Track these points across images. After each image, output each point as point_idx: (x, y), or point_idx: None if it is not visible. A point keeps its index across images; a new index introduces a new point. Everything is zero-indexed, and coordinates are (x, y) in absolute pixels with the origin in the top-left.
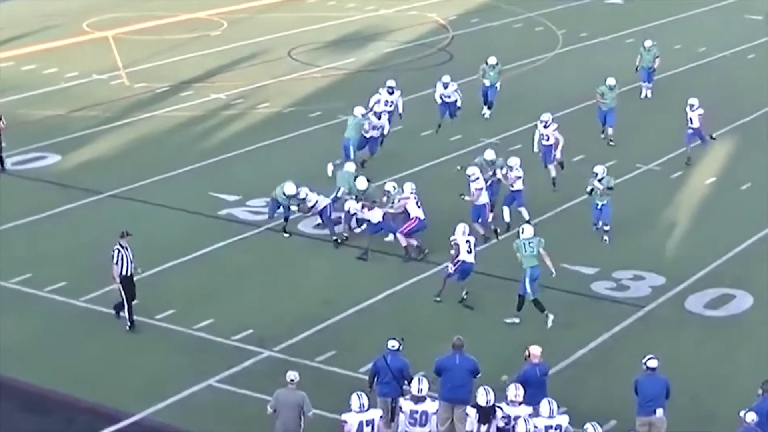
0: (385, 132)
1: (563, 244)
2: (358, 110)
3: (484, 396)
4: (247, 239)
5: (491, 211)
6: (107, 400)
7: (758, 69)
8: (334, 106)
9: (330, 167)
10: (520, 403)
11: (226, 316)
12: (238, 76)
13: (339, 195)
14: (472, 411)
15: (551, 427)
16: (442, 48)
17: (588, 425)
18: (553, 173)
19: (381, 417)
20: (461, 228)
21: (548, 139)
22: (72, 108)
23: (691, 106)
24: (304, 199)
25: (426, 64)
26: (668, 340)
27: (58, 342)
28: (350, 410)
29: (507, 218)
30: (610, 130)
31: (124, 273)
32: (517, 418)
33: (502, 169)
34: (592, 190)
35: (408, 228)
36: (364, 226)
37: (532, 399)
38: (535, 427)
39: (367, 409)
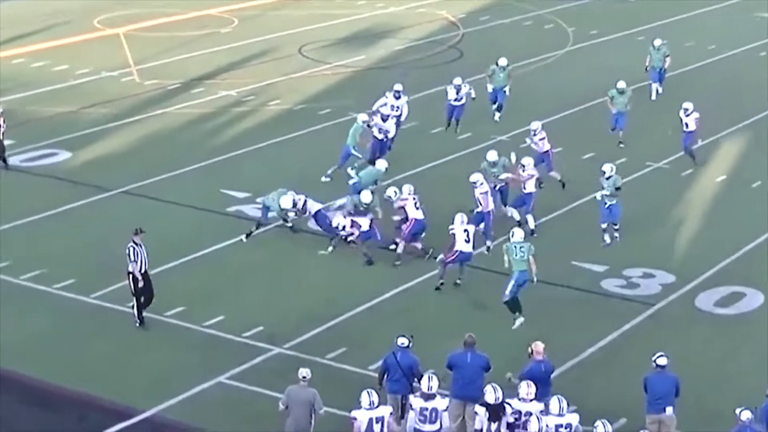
0: (390, 136)
1: (573, 242)
2: (361, 117)
3: (492, 394)
4: (256, 236)
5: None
6: (117, 397)
7: None
8: (344, 104)
9: (351, 171)
10: (531, 400)
11: (236, 313)
12: (248, 74)
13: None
14: (481, 409)
15: (561, 425)
16: (452, 45)
17: (598, 423)
18: (558, 176)
19: (391, 414)
20: (459, 218)
21: (540, 147)
22: (82, 105)
23: (686, 110)
24: (300, 209)
25: (436, 62)
26: (678, 338)
27: (68, 339)
28: (360, 407)
29: (516, 217)
30: (620, 133)
31: (139, 270)
32: (528, 413)
33: (513, 163)
34: (602, 187)
35: (407, 231)
36: (356, 233)
37: (537, 396)
38: (546, 426)
39: (377, 407)
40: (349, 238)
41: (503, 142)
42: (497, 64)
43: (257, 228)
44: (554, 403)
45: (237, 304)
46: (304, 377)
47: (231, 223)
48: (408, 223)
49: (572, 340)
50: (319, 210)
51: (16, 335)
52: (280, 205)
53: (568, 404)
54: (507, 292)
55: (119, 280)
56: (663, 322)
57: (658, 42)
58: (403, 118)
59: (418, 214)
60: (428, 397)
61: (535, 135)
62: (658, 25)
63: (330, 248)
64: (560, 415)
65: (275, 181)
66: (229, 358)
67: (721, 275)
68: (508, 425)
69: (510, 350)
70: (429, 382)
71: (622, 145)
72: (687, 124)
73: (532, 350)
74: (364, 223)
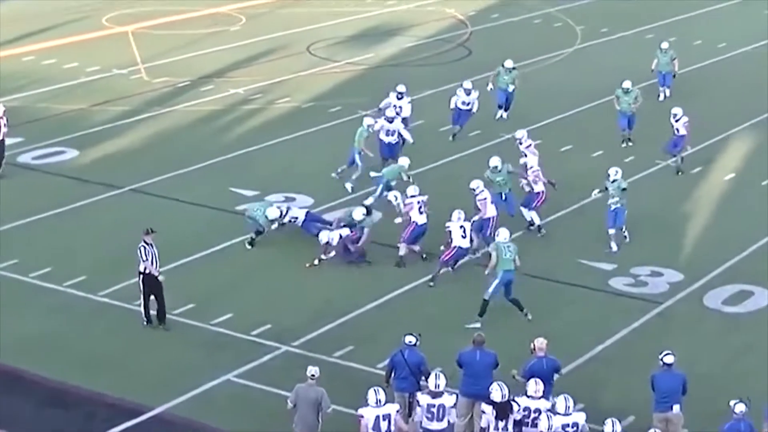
0: (402, 139)
1: (581, 240)
2: (366, 121)
3: (498, 392)
4: (265, 234)
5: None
6: (126, 395)
7: None
8: (353, 102)
9: (372, 174)
10: (540, 397)
11: (245, 311)
12: (257, 71)
13: (379, 194)
14: (488, 408)
15: (568, 425)
16: (461, 43)
17: (607, 421)
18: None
19: (398, 411)
20: (456, 214)
21: (526, 156)
22: (92, 102)
23: (674, 115)
24: (290, 220)
25: (445, 60)
26: (686, 337)
27: (76, 337)
28: (367, 405)
29: (528, 217)
30: (628, 132)
31: (150, 270)
32: (537, 411)
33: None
34: (605, 189)
35: (408, 234)
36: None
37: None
38: (553, 425)
39: (384, 404)
40: (328, 255)
41: (511, 141)
42: (503, 66)
43: (258, 235)
44: (560, 402)
45: (245, 302)
46: (312, 376)
47: (239, 222)
48: (408, 227)
49: (580, 339)
50: (306, 218)
51: (25, 333)
52: (267, 216)
53: (574, 403)
54: (490, 290)
55: (127, 278)
56: (671, 321)
57: (665, 45)
58: (406, 115)
59: (421, 219)
60: (436, 394)
61: (521, 144)
62: (668, 22)
63: (317, 261)
64: (566, 414)
65: (284, 179)
66: (237, 356)
67: (729, 273)
68: (516, 423)
69: (519, 348)
70: (436, 380)
71: (624, 145)
72: (678, 129)
73: (534, 347)
74: (344, 231)
